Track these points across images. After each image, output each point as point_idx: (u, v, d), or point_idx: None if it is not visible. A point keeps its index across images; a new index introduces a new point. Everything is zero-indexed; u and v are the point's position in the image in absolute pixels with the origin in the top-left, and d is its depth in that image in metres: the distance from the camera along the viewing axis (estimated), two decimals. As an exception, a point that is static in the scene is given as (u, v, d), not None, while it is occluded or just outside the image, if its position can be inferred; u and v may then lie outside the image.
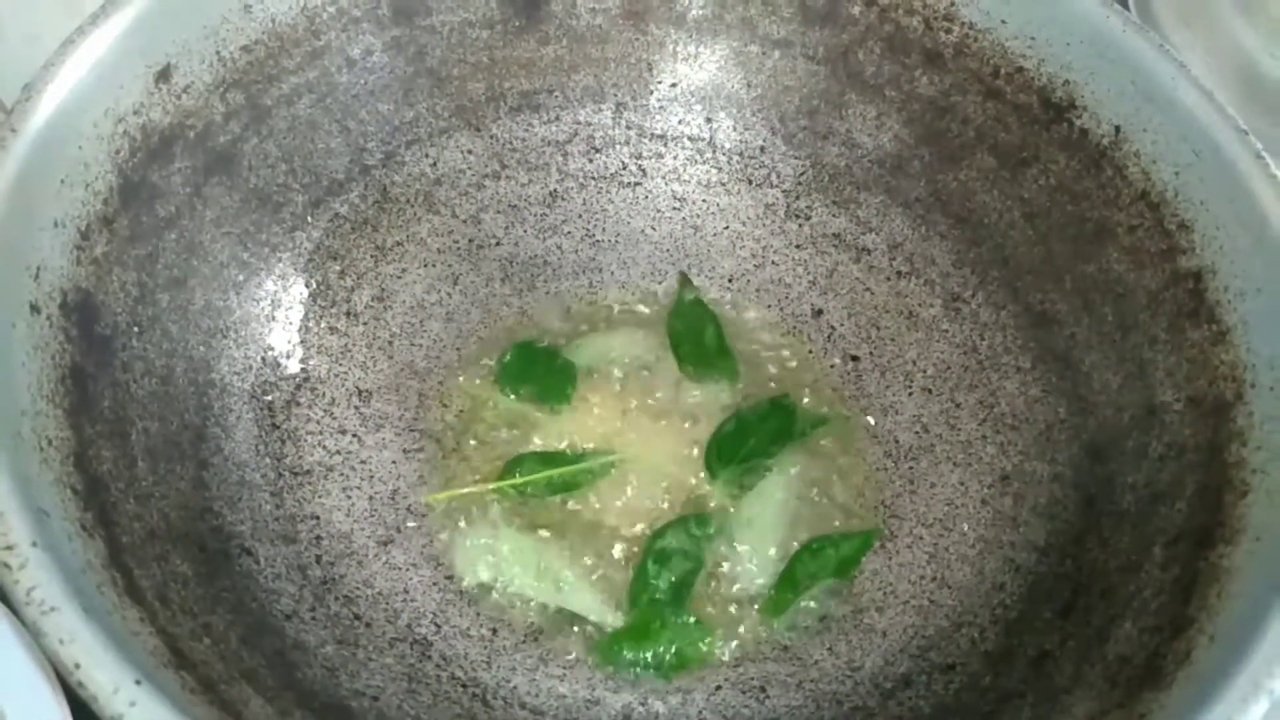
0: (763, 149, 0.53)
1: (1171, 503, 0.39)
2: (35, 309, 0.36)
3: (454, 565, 0.45)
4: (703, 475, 0.47)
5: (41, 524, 0.30)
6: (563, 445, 0.48)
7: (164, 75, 0.42)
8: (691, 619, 0.44)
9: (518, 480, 0.46)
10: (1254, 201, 0.40)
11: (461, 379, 0.49)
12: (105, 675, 0.28)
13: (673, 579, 0.44)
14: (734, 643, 0.44)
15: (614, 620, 0.44)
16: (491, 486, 0.46)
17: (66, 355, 0.36)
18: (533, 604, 0.44)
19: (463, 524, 0.46)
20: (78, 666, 0.28)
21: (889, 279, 0.51)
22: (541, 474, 0.46)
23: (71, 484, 0.34)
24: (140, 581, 0.34)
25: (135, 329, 0.40)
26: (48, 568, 0.29)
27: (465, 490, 0.46)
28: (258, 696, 0.34)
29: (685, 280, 0.53)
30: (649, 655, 0.43)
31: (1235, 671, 0.31)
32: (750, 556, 0.46)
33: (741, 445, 0.48)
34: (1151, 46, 0.44)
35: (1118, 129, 0.44)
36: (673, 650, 0.43)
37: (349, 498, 0.45)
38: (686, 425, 0.49)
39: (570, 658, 0.43)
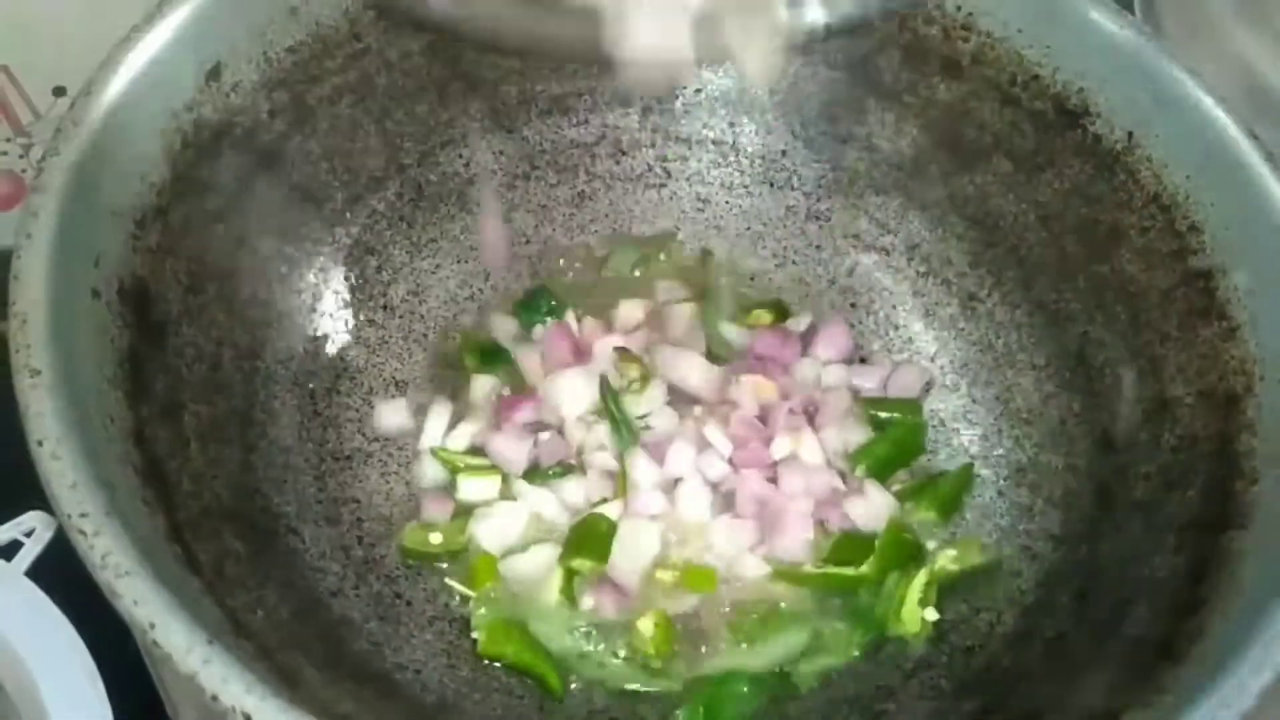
0: (784, 153, 0.54)
1: (1184, 491, 0.41)
2: (96, 294, 0.37)
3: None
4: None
5: (111, 495, 0.32)
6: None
7: (214, 74, 0.43)
8: None
9: None
10: (1263, 202, 0.42)
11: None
12: (179, 636, 0.29)
13: None
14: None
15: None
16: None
17: (124, 340, 0.38)
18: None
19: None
20: (152, 626, 0.29)
21: (907, 279, 0.53)
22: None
23: (132, 461, 0.35)
24: (199, 556, 0.35)
25: (186, 317, 0.42)
26: (119, 535, 0.30)
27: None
28: (310, 666, 0.35)
29: (706, 254, 0.54)
30: None
31: (1249, 643, 0.32)
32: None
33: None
34: (1163, 53, 0.45)
35: (1130, 134, 0.46)
36: None
37: (388, 483, 0.46)
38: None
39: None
